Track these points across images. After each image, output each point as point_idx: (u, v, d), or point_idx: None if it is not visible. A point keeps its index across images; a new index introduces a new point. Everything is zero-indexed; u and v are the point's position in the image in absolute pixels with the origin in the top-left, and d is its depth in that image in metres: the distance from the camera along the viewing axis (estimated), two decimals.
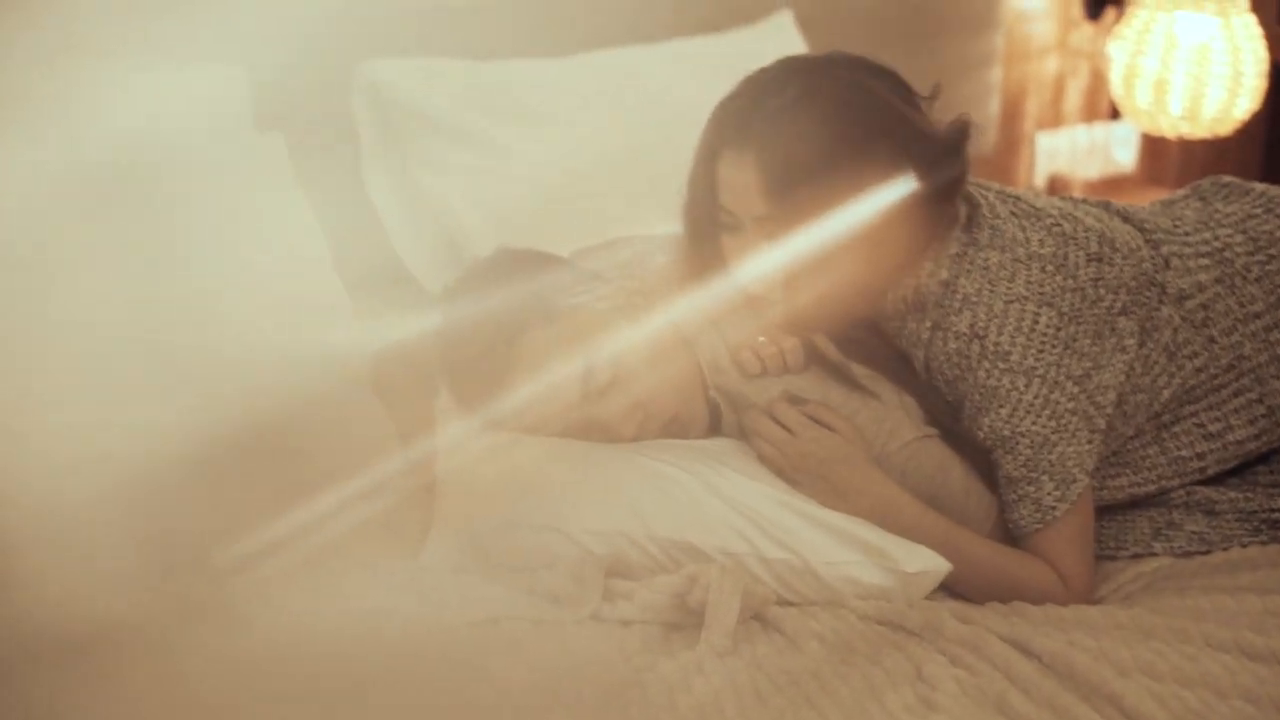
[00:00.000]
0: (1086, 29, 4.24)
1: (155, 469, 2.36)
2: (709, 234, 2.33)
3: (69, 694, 1.99)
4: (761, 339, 2.37)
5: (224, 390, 2.45)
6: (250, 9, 3.03)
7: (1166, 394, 2.35)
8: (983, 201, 2.34)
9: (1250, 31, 3.74)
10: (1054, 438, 2.25)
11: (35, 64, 2.72)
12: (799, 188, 2.18)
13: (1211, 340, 2.35)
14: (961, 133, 2.29)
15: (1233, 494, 2.41)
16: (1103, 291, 2.27)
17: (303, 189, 2.77)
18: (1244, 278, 2.38)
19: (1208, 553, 2.38)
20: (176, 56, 2.88)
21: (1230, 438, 2.39)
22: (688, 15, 3.46)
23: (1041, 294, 2.24)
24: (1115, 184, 4.38)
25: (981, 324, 2.25)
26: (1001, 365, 2.24)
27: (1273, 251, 2.40)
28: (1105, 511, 2.40)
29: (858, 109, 2.22)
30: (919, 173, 2.23)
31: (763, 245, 2.25)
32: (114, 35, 2.91)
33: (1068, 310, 2.24)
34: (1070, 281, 2.25)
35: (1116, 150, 4.40)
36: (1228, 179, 2.58)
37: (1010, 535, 2.31)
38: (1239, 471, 2.45)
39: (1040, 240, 2.27)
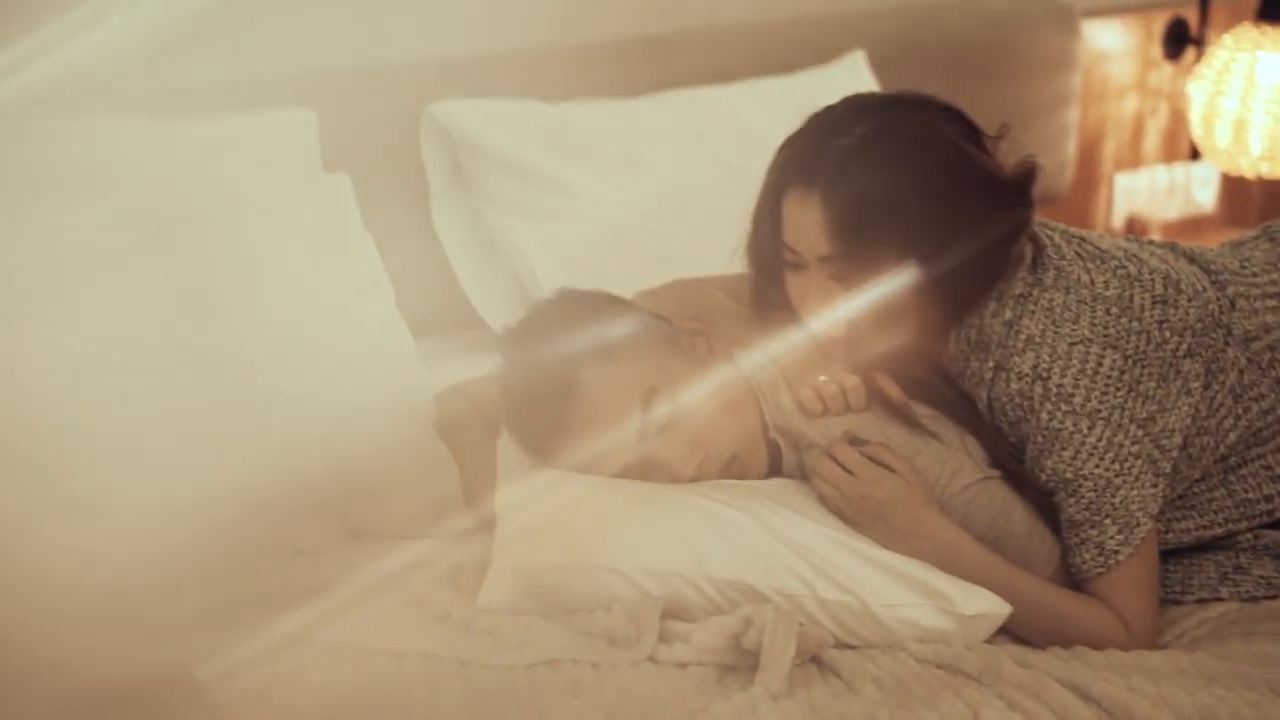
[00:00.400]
0: (1166, 69, 4.20)
1: (220, 511, 2.38)
2: (773, 272, 2.33)
3: None
4: (823, 378, 2.36)
5: (288, 432, 2.46)
6: (321, 52, 3.07)
7: (1233, 436, 2.32)
8: (1048, 242, 2.32)
9: None
10: (1117, 481, 2.23)
11: (106, 111, 2.75)
12: (865, 228, 2.19)
13: (1278, 382, 2.32)
14: (1028, 174, 2.29)
15: None
16: (1168, 334, 2.25)
17: (369, 230, 2.78)
18: None
19: (1275, 598, 2.34)
20: (249, 101, 2.90)
21: None
22: (759, 56, 3.45)
23: (1106, 336, 2.22)
24: (1195, 225, 4.33)
25: (1045, 365, 2.23)
26: (1065, 407, 2.22)
27: None
28: (1171, 555, 2.37)
29: (924, 150, 2.22)
30: (984, 214, 2.22)
31: (827, 284, 2.25)
32: (186, 81, 2.95)
33: (1132, 353, 2.22)
34: (1135, 324, 2.24)
35: (1196, 191, 4.36)
36: None
37: (1073, 578, 2.28)
38: None
39: (1105, 282, 2.26)
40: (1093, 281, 2.26)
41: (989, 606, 2.20)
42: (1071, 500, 2.25)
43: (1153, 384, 2.23)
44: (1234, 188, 4.37)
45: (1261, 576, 2.36)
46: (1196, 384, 2.27)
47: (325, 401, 2.51)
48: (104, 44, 2.78)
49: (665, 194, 3.14)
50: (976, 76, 3.68)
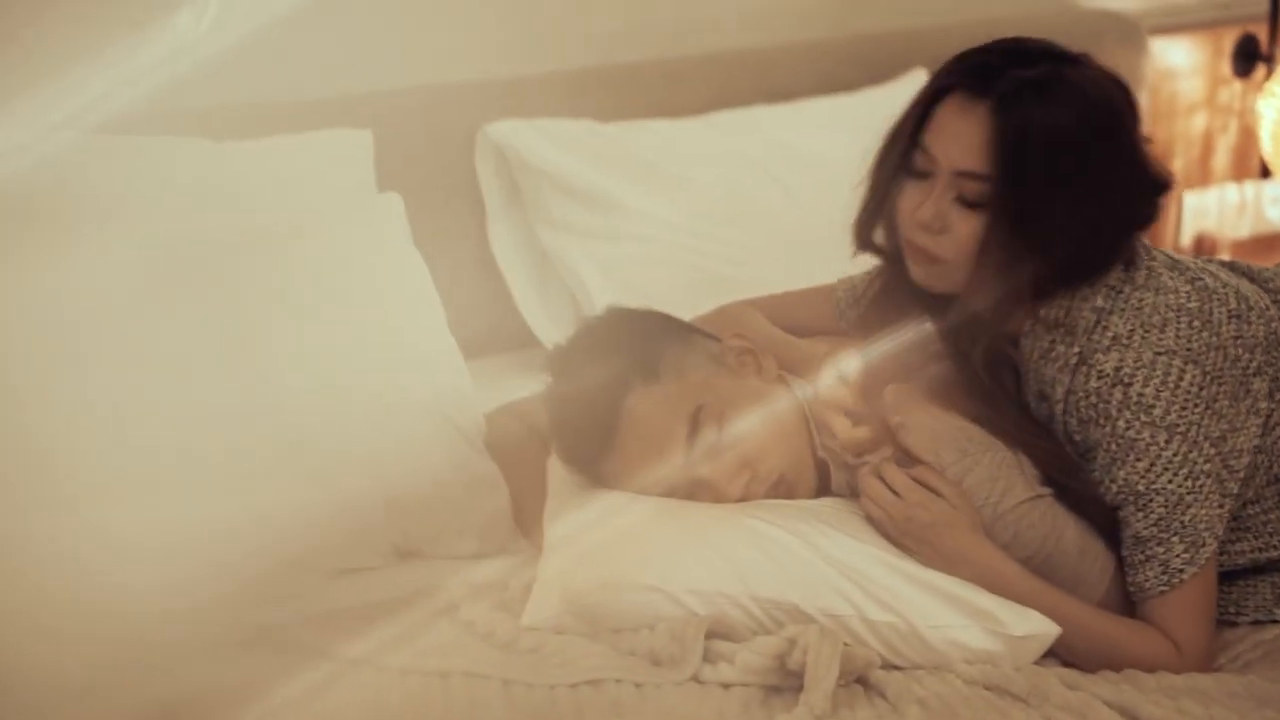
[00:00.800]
0: (1235, 86, 4.16)
1: (268, 529, 2.39)
2: (890, 185, 2.32)
3: None
4: (846, 421, 2.35)
5: (337, 451, 2.47)
6: (378, 73, 3.08)
7: None
8: (1139, 244, 2.32)
9: None
10: (1189, 498, 2.20)
11: (162, 132, 2.78)
12: (1022, 158, 2.18)
13: None
14: (1168, 176, 2.30)
15: None
16: (1240, 350, 2.23)
17: (425, 249, 2.78)
18: None
19: None
20: (306, 122, 2.92)
21: None
22: (818, 75, 3.44)
23: (1189, 350, 2.20)
24: (1266, 243, 4.29)
25: (1128, 371, 2.21)
26: (1144, 418, 2.20)
27: None
28: (1226, 576, 2.33)
29: (1100, 111, 2.22)
30: (1131, 195, 2.24)
31: (948, 201, 2.24)
32: (245, 102, 2.97)
33: (1211, 369, 2.21)
34: (1214, 339, 2.22)
35: (1267, 209, 4.31)
36: None
37: (1127, 597, 2.25)
38: None
39: (1188, 293, 2.25)
40: (1177, 289, 2.25)
41: (1038, 627, 2.17)
42: (1140, 515, 2.22)
43: (1226, 402, 2.22)
44: None
45: None
46: (1264, 404, 2.25)
47: (373, 419, 2.51)
48: (159, 66, 2.80)
49: (718, 213, 3.14)
50: None
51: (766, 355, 2.43)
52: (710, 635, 2.16)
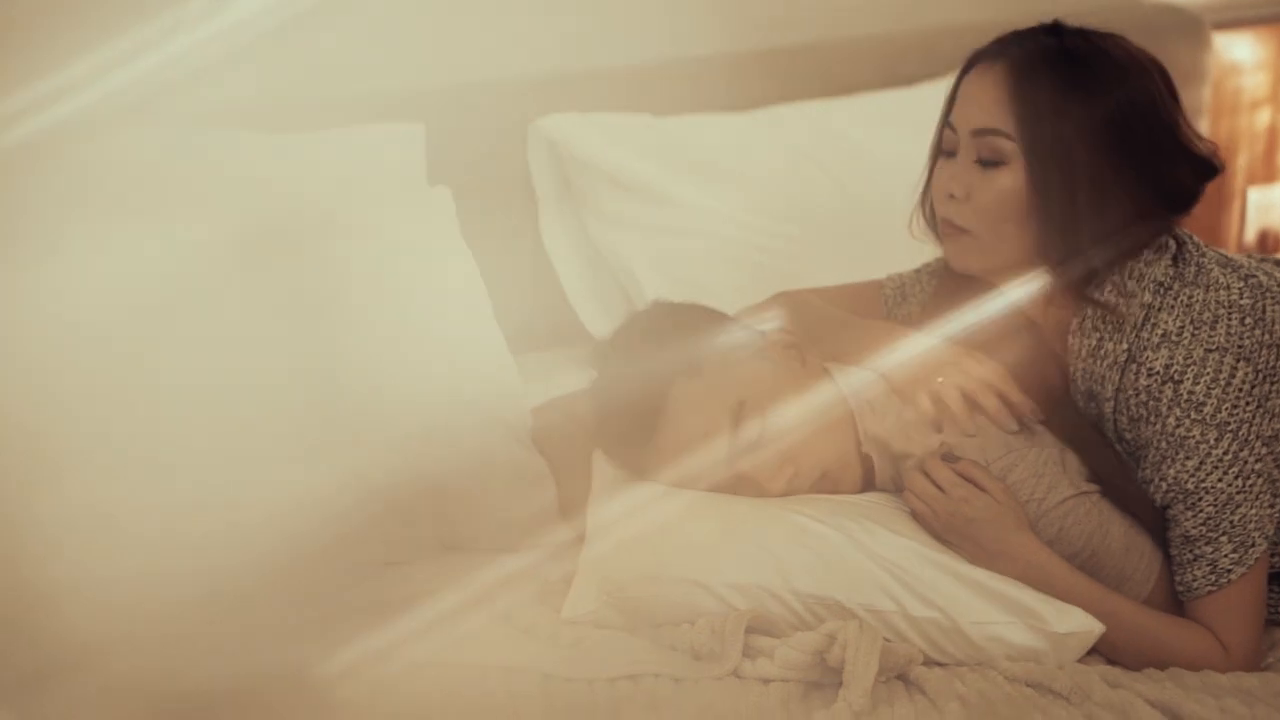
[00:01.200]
0: None
1: (314, 521, 2.40)
2: (931, 162, 2.36)
3: None
4: (940, 379, 2.32)
5: (383, 443, 2.47)
6: (431, 66, 3.09)
7: None
8: (1188, 241, 2.30)
9: None
10: (1239, 498, 2.18)
11: (214, 124, 2.79)
12: (1038, 111, 2.21)
13: None
14: (1214, 161, 2.31)
15: None
16: None
17: (476, 243, 2.78)
18: None
19: None
20: (360, 115, 2.93)
21: None
22: (877, 69, 3.42)
23: (1240, 348, 2.19)
24: None
25: (1179, 368, 2.19)
26: (1194, 415, 2.18)
27: None
28: (1275, 577, 2.31)
29: (1129, 76, 2.24)
30: (1157, 171, 2.24)
31: (968, 164, 2.27)
32: (299, 95, 2.98)
33: (1263, 367, 2.19)
34: (1267, 337, 2.20)
35: None
36: None
37: (1173, 594, 2.24)
38: None
39: (1240, 290, 2.22)
40: (1229, 286, 2.23)
41: (1081, 625, 2.16)
42: (1189, 514, 2.20)
43: (1278, 401, 2.20)
44: None
45: None
46: None
47: (420, 413, 2.51)
48: (212, 57, 2.82)
49: (774, 208, 3.12)
50: None
51: (810, 350, 2.42)
52: (750, 630, 2.16)
